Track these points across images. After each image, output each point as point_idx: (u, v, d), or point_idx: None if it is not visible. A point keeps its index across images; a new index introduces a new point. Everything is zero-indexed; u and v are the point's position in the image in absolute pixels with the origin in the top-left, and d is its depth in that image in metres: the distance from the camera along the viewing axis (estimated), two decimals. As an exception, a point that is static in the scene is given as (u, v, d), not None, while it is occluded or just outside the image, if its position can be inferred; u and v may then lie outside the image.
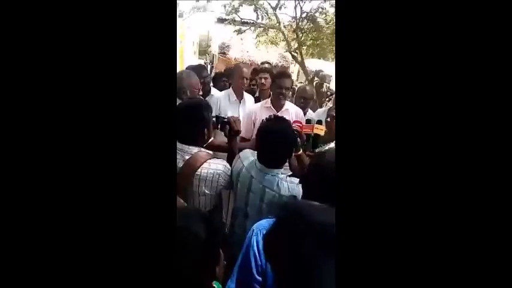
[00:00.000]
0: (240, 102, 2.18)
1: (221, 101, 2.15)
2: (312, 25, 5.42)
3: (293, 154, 1.23)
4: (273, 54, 8.01)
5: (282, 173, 1.15)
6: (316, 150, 1.50)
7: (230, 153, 1.36)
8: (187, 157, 1.14)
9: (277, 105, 1.90)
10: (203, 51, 10.05)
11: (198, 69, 2.05)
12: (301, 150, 1.30)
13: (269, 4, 5.44)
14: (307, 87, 2.41)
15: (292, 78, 2.36)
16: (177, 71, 1.88)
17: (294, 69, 8.09)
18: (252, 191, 1.13)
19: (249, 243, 0.86)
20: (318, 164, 0.90)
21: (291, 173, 1.38)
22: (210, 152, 1.24)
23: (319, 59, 7.22)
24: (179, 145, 1.17)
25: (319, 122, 1.56)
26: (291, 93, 2.08)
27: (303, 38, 5.66)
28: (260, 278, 0.82)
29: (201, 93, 1.85)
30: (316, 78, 5.84)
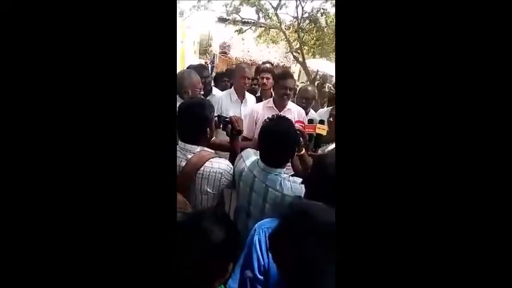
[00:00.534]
0: (242, 102, 2.18)
1: (223, 101, 2.15)
2: (313, 25, 5.42)
3: (295, 154, 1.23)
4: (274, 54, 8.01)
5: (284, 173, 1.15)
6: (319, 150, 1.50)
7: (232, 152, 1.36)
8: (189, 156, 1.14)
9: (280, 105, 1.90)
10: (204, 51, 10.06)
11: (199, 69, 2.05)
12: (303, 150, 1.30)
13: (270, 4, 5.43)
14: (309, 88, 2.40)
15: (294, 78, 2.35)
16: (178, 70, 1.88)
17: (295, 69, 8.10)
18: (254, 190, 1.13)
19: (252, 243, 0.85)
20: (322, 165, 0.90)
21: (293, 172, 1.38)
22: (212, 151, 1.23)
23: (321, 57, 7.21)
24: (182, 144, 1.17)
25: (322, 122, 1.56)
26: (293, 93, 2.08)
27: (304, 38, 5.66)
28: (262, 277, 0.82)
29: (202, 92, 1.85)
30: (317, 78, 5.83)
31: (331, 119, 1.83)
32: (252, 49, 8.16)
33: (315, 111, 2.43)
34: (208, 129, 1.19)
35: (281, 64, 8.01)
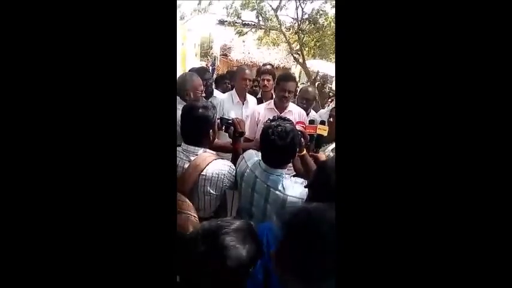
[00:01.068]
0: (243, 104, 2.20)
1: (224, 103, 2.16)
2: (313, 26, 5.43)
3: (296, 155, 1.24)
4: (274, 56, 8.02)
5: (286, 173, 1.16)
6: (320, 150, 1.51)
7: (234, 153, 1.37)
8: (192, 158, 1.16)
9: (281, 107, 1.91)
10: (205, 53, 10.09)
11: (200, 71, 2.07)
12: (304, 151, 1.31)
13: (270, 6, 5.46)
14: (309, 88, 2.41)
15: (296, 80, 2.36)
16: (180, 73, 1.90)
17: (295, 70, 8.11)
18: (256, 191, 1.14)
19: None
20: (325, 169, 0.91)
21: (294, 173, 1.39)
22: (215, 152, 1.25)
23: (321, 58, 7.22)
24: (185, 146, 1.19)
25: (322, 123, 1.57)
26: (293, 95, 2.09)
27: (304, 39, 5.67)
28: (261, 277, 0.83)
29: (203, 95, 1.87)
30: (318, 79, 5.85)
31: (331, 119, 1.84)
32: (252, 51, 8.17)
33: (316, 111, 2.44)
34: (211, 131, 1.20)
35: (281, 65, 8.02)
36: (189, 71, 2.20)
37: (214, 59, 9.39)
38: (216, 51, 9.13)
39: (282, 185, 1.10)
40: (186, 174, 1.13)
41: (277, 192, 1.09)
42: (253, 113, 1.99)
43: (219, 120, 1.30)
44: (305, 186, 1.00)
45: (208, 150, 1.22)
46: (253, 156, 1.23)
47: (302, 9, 5.51)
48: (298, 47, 5.79)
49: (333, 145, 1.64)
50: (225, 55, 8.52)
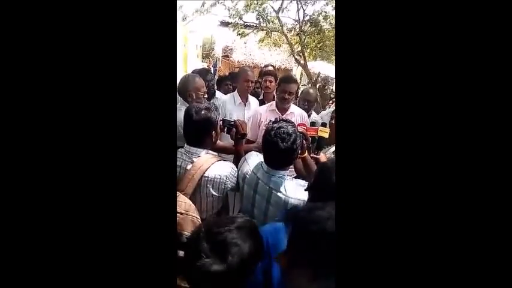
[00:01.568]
0: (245, 105, 2.21)
1: (226, 104, 2.17)
2: (314, 28, 5.44)
3: (298, 156, 1.24)
4: (276, 57, 8.04)
5: (287, 175, 1.16)
6: (321, 152, 1.51)
7: (236, 155, 1.38)
8: (195, 159, 1.16)
9: (282, 108, 1.92)
10: (206, 55, 10.11)
11: (202, 73, 2.08)
12: (306, 153, 1.31)
13: (272, 7, 5.47)
14: (311, 90, 2.42)
15: (297, 82, 2.37)
16: (182, 74, 1.91)
17: (297, 71, 8.12)
18: (258, 192, 1.14)
19: None
20: (326, 170, 0.92)
21: (295, 174, 1.40)
22: (217, 154, 1.26)
23: (323, 60, 7.23)
24: (187, 147, 1.19)
25: (324, 125, 1.58)
26: (294, 97, 2.09)
27: (306, 41, 5.68)
28: (261, 278, 0.83)
29: (206, 96, 1.88)
30: (319, 81, 5.85)
31: (333, 121, 1.84)
32: (254, 52, 8.20)
33: (317, 113, 2.45)
34: (213, 132, 1.21)
35: (283, 67, 8.03)
36: (191, 72, 2.22)
37: (216, 61, 9.41)
38: (218, 52, 9.15)
39: (284, 186, 1.10)
40: (188, 175, 1.13)
41: (278, 193, 1.09)
42: (255, 114, 1.99)
43: (221, 122, 1.30)
44: (305, 189, 1.01)
45: (210, 151, 1.22)
46: (255, 158, 1.24)
47: (304, 10, 5.53)
48: (299, 48, 5.80)
49: (334, 147, 1.64)
50: (226, 56, 8.55)
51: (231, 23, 5.72)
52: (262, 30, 5.83)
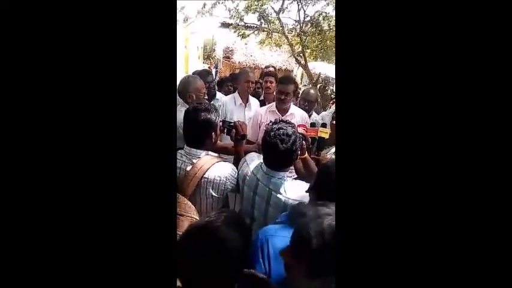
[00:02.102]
0: (246, 106, 2.21)
1: (227, 105, 2.18)
2: (315, 28, 5.44)
3: (298, 157, 1.24)
4: (277, 58, 8.04)
5: (287, 176, 1.16)
6: (321, 153, 1.51)
7: (236, 156, 1.38)
8: (195, 160, 1.17)
9: (281, 109, 1.92)
10: (207, 56, 10.14)
11: (203, 74, 2.09)
12: (306, 154, 1.31)
13: (272, 8, 5.47)
14: (311, 91, 2.42)
15: (297, 81, 2.36)
16: (182, 75, 1.91)
17: (297, 72, 8.12)
18: (258, 194, 1.14)
19: (255, 250, 0.86)
20: (326, 171, 0.92)
21: (295, 176, 1.39)
22: (217, 155, 1.26)
23: (323, 61, 7.23)
24: (187, 148, 1.20)
25: (324, 125, 1.58)
26: (293, 97, 2.08)
27: (306, 41, 5.68)
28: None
29: (206, 97, 1.88)
30: (320, 81, 5.85)
31: (333, 122, 1.84)
32: (255, 53, 8.20)
33: (318, 113, 2.45)
34: (213, 133, 1.21)
35: (283, 68, 8.04)
36: (192, 73, 2.22)
37: (217, 62, 9.43)
38: (219, 53, 9.17)
39: (284, 188, 1.10)
40: (188, 176, 1.13)
41: (278, 195, 1.09)
42: (255, 115, 2.00)
43: (221, 123, 1.30)
44: (306, 191, 1.01)
45: (210, 152, 1.22)
46: (255, 159, 1.24)
47: (304, 11, 5.53)
48: (300, 49, 5.80)
49: (334, 148, 1.64)
50: (227, 57, 8.56)
51: (232, 24, 5.73)
52: (263, 31, 5.84)
